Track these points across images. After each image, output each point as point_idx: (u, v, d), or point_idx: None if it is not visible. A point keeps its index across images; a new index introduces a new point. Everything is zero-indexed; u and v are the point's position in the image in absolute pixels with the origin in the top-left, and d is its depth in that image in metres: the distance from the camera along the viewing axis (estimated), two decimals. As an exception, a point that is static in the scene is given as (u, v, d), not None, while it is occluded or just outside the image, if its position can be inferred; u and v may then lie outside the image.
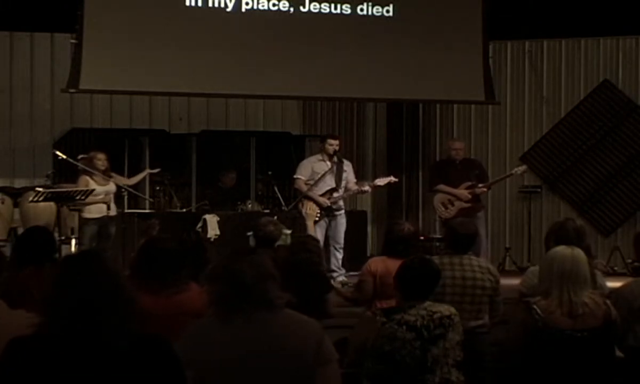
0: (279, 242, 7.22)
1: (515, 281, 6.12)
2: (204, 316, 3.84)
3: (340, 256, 10.09)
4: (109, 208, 9.84)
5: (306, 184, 10.10)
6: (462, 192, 10.74)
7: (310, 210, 10.03)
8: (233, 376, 3.46)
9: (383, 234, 7.64)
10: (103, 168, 9.85)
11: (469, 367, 5.19)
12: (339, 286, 8.53)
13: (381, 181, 10.38)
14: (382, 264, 6.29)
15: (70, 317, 2.79)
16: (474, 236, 6.21)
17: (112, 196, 9.94)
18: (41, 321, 2.83)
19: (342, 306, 6.88)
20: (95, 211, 9.77)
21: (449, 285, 5.76)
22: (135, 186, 10.76)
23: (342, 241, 10.11)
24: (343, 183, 10.16)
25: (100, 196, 9.78)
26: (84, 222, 9.76)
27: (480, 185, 10.82)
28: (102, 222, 9.82)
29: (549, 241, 5.91)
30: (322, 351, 3.52)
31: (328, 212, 10.05)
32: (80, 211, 9.70)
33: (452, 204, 10.77)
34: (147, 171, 10.77)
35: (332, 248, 10.05)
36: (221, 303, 3.54)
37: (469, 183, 10.77)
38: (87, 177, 9.81)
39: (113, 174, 10.04)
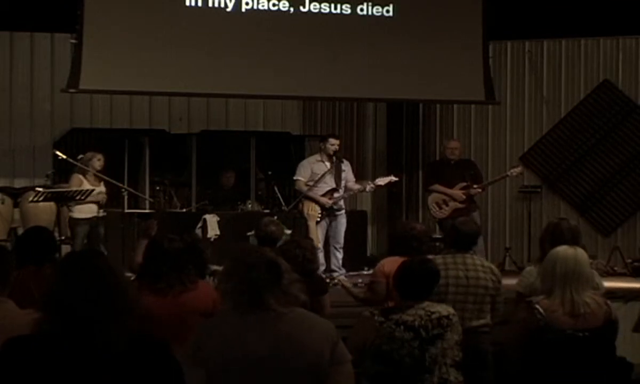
0: (279, 243, 7.18)
1: (515, 281, 6.11)
2: (216, 313, 3.80)
3: (340, 255, 10.13)
4: (100, 208, 9.81)
5: (306, 185, 10.11)
6: (457, 192, 10.76)
7: (312, 211, 10.03)
8: (247, 374, 3.42)
9: (388, 234, 7.63)
10: (100, 169, 9.84)
11: (471, 367, 5.20)
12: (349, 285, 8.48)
13: (382, 181, 10.38)
14: (395, 265, 6.25)
15: (68, 316, 2.78)
16: (476, 234, 6.22)
17: (103, 196, 9.88)
18: (39, 320, 2.82)
19: (341, 306, 6.86)
20: (86, 211, 9.73)
21: (452, 284, 5.78)
22: (135, 186, 10.74)
23: (342, 240, 10.16)
24: (343, 183, 10.18)
25: (94, 197, 9.74)
26: (75, 223, 9.73)
27: (475, 186, 10.84)
28: (93, 223, 9.79)
29: (544, 242, 5.89)
30: (337, 351, 3.49)
31: (329, 213, 10.07)
32: (69, 211, 9.67)
33: (447, 204, 10.79)
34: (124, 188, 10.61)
35: (332, 248, 10.09)
36: (235, 299, 3.49)
37: (464, 183, 10.79)
38: (81, 177, 9.79)
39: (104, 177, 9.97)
